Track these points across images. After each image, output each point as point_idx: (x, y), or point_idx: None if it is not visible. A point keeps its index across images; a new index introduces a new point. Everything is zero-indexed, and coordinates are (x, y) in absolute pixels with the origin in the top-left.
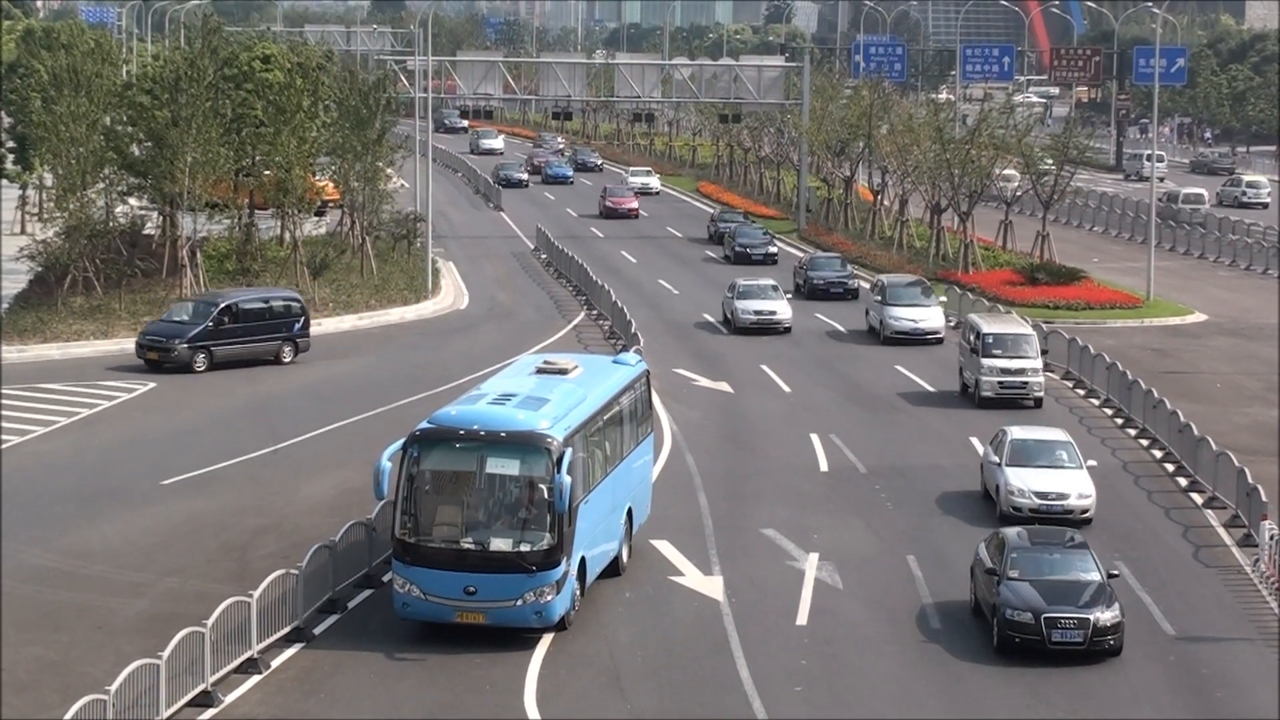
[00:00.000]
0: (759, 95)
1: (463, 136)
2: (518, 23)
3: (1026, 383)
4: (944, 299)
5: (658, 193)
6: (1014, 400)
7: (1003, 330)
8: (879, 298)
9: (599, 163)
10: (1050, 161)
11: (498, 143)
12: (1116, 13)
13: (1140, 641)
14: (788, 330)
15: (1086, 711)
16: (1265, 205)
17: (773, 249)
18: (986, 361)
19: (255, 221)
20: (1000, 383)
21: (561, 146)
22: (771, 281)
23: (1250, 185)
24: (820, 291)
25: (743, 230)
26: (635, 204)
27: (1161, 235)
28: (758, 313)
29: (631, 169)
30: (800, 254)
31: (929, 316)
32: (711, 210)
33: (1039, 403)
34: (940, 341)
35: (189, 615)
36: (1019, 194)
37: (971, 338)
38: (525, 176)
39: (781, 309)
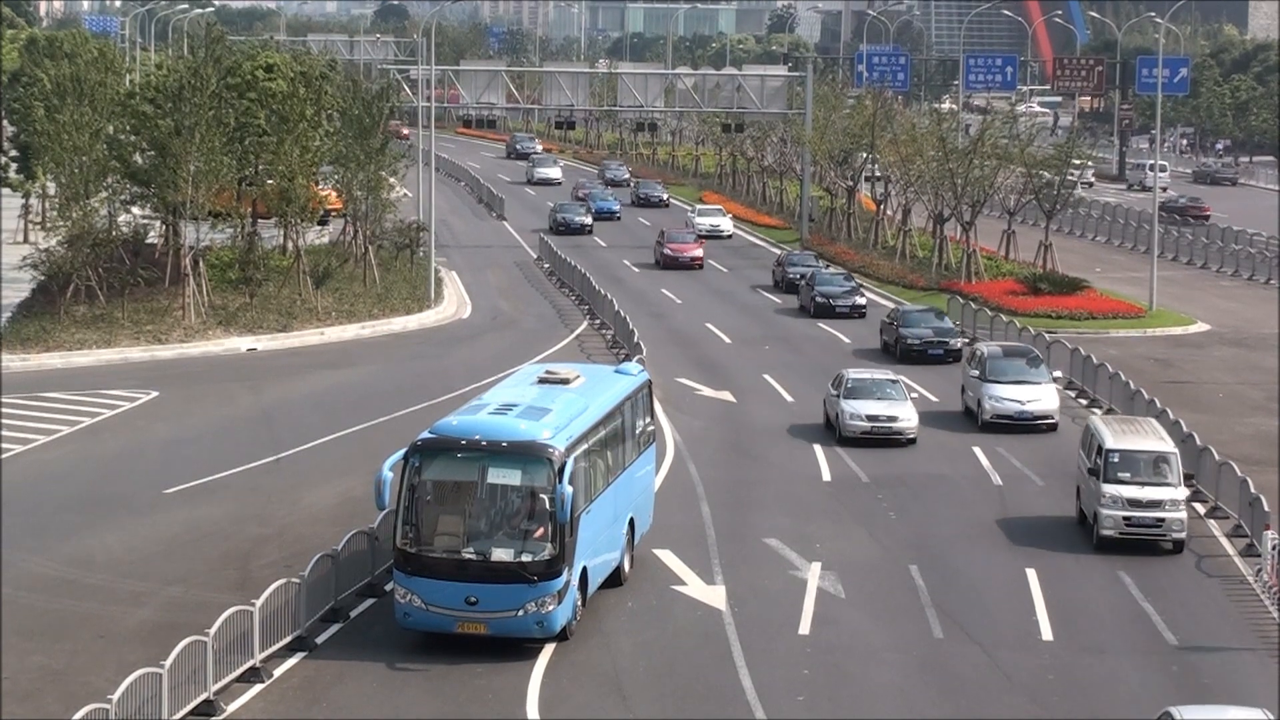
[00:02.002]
0: (762, 105)
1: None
2: (520, 32)
3: (1163, 519)
4: (1058, 374)
5: (729, 236)
6: (1145, 543)
7: (1133, 446)
8: (976, 372)
9: (664, 196)
10: (1050, 172)
11: (555, 171)
12: (1119, 22)
13: (1142, 650)
14: (911, 442)
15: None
16: (1090, 184)
17: (860, 300)
18: (1109, 489)
19: (258, 230)
20: (1126, 519)
21: (626, 176)
22: (890, 375)
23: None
24: (914, 353)
25: (821, 276)
26: (699, 252)
27: (1164, 245)
28: (871, 419)
29: (699, 207)
30: (889, 304)
31: (1040, 396)
32: (778, 251)
33: (1179, 546)
34: (1054, 428)
35: (191, 624)
36: (1023, 202)
37: (1092, 453)
38: (589, 220)
39: (904, 414)
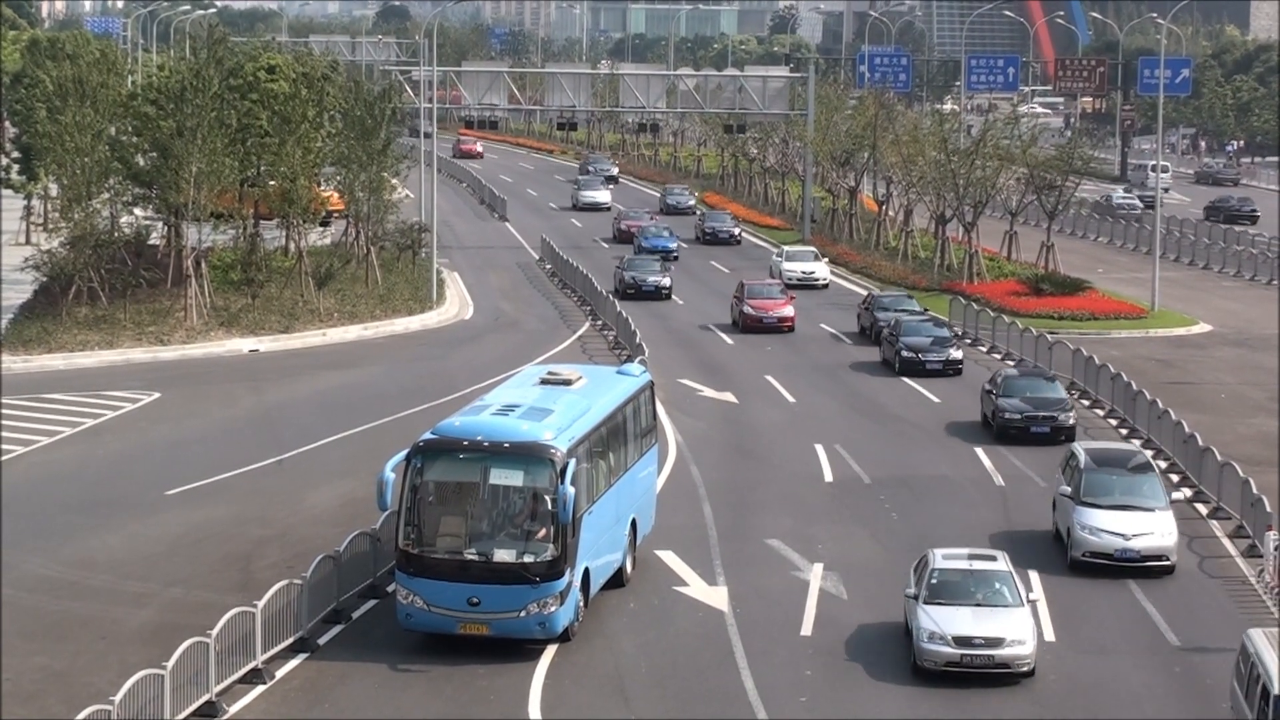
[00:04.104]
0: (764, 106)
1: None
2: (523, 33)
3: None
4: (1179, 494)
5: (826, 285)
6: None
7: None
8: (1069, 486)
9: (736, 232)
10: (1057, 176)
11: (603, 195)
12: (1121, 23)
13: (1144, 651)
14: (1028, 675)
15: None
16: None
17: (956, 353)
18: None
19: (260, 232)
20: None
21: (691, 203)
22: (1001, 565)
23: None
24: (1013, 431)
25: (909, 326)
26: (790, 310)
27: (1166, 246)
28: (962, 643)
29: (787, 249)
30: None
31: (1153, 528)
32: (866, 290)
33: None
34: (1170, 571)
35: (193, 625)
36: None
37: (1254, 699)
38: (667, 281)
39: (1014, 632)
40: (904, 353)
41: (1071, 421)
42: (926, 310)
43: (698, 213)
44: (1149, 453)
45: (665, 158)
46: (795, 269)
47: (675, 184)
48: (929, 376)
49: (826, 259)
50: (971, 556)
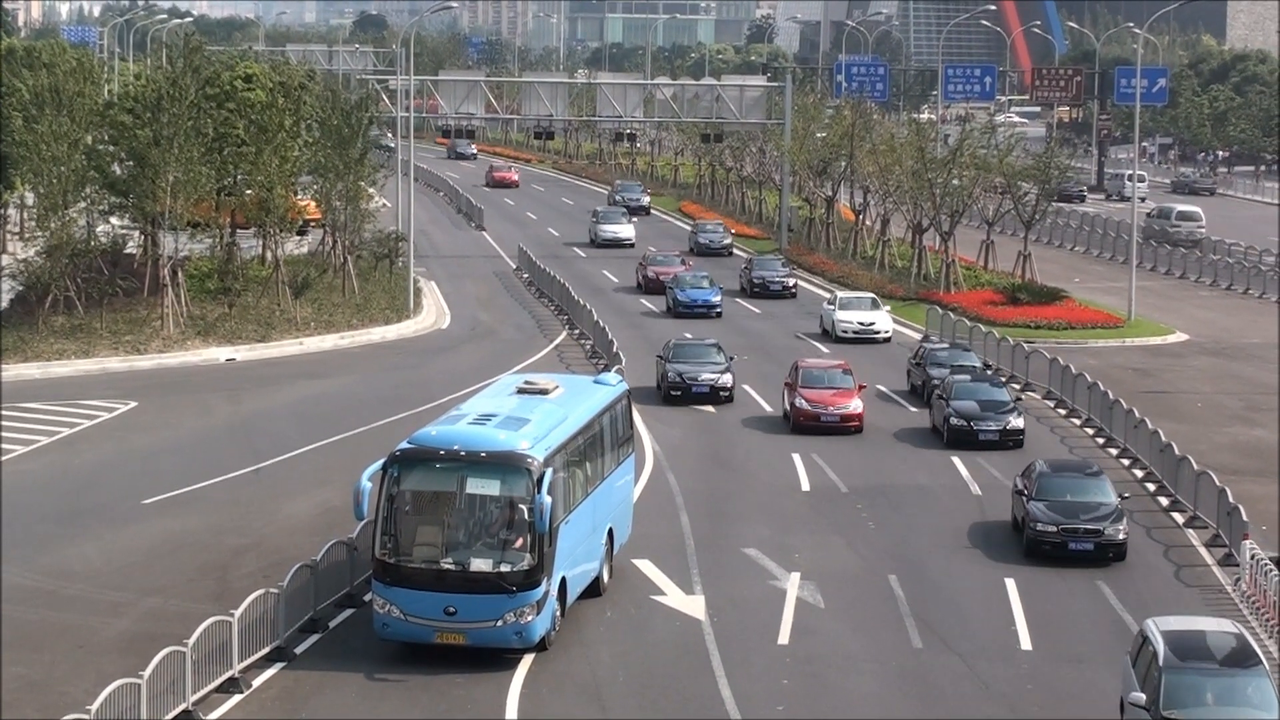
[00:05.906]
0: (741, 115)
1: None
2: (500, 42)
3: None
4: None
5: (888, 338)
6: None
7: None
8: (1143, 692)
9: (790, 284)
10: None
11: (626, 230)
12: (1098, 33)
13: (1121, 660)
14: None
15: None
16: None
17: (1016, 421)
18: None
19: (237, 241)
20: None
21: (728, 242)
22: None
23: None
24: (1045, 549)
25: (960, 388)
26: (858, 404)
27: (1143, 255)
28: None
29: (840, 296)
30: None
31: None
32: (919, 334)
33: None
34: None
35: (170, 634)
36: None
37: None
38: (729, 380)
39: None
40: (953, 420)
41: (1122, 536)
42: (989, 366)
43: (733, 252)
44: (1247, 621)
45: (643, 167)
46: (851, 320)
47: (706, 220)
48: (982, 449)
49: (887, 307)
50: None
